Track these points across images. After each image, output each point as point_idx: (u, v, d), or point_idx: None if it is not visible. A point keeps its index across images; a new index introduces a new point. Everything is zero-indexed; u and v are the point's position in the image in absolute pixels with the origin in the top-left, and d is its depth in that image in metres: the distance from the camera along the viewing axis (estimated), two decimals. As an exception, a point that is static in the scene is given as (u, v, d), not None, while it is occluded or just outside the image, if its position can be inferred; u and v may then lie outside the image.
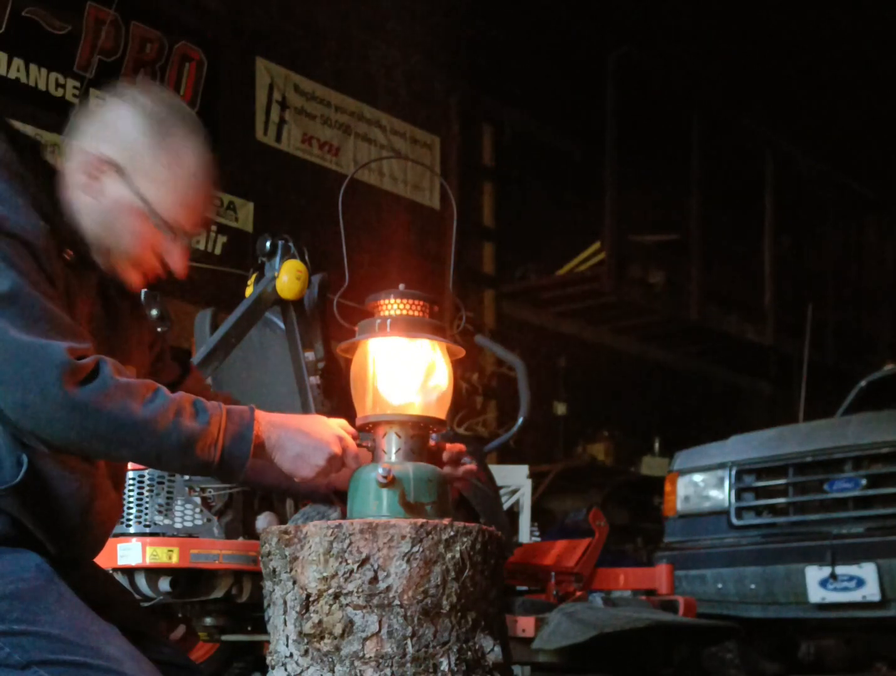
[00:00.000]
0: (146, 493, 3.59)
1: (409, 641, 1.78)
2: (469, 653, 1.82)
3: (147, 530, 3.55)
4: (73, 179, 1.88)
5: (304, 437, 1.86)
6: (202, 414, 1.77)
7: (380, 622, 1.78)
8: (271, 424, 1.85)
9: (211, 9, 7.72)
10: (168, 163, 1.87)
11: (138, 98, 1.90)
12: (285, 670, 1.84)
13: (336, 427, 1.92)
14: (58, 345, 1.68)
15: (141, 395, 1.73)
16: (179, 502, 3.75)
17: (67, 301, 1.82)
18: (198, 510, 3.75)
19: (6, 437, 1.77)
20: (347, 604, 1.79)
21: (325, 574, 1.80)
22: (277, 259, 4.14)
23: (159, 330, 4.69)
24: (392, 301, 1.98)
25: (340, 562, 1.79)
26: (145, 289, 4.58)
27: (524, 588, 4.48)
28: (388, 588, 1.78)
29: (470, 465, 2.04)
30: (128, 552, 3.48)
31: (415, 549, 1.79)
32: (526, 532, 5.34)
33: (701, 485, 5.78)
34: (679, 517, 5.85)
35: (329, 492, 2.08)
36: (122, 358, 1.88)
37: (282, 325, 4.24)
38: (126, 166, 1.86)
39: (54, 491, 1.81)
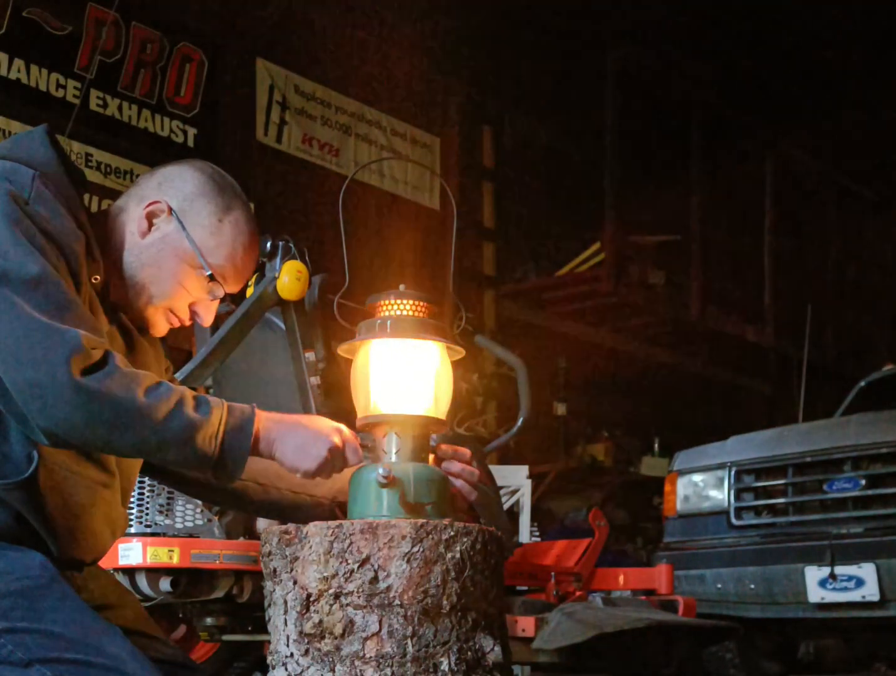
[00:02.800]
0: (147, 493, 3.60)
1: (409, 641, 1.79)
2: (469, 653, 1.83)
3: (148, 530, 3.56)
4: (128, 218, 1.98)
5: (303, 430, 1.88)
6: (204, 405, 1.79)
7: (380, 622, 1.78)
8: (271, 420, 1.87)
9: (211, 9, 7.72)
10: (221, 217, 1.98)
11: (202, 165, 2.05)
12: (286, 670, 1.84)
13: (334, 423, 1.94)
14: (74, 332, 1.72)
15: (145, 384, 1.75)
16: (180, 502, 3.76)
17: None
18: (199, 510, 3.76)
19: (19, 433, 1.79)
20: (348, 604, 1.80)
21: (325, 574, 1.81)
22: (278, 259, 4.14)
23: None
24: (392, 301, 1.99)
25: (341, 562, 1.80)
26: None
27: (524, 588, 4.48)
28: (389, 588, 1.79)
29: (469, 467, 2.04)
30: (129, 552, 3.49)
31: (415, 549, 1.79)
32: (526, 532, 5.35)
33: (700, 485, 5.79)
34: (679, 517, 5.85)
35: (333, 506, 2.09)
36: None
37: (282, 326, 4.24)
38: (182, 212, 1.96)
39: (60, 490, 1.82)
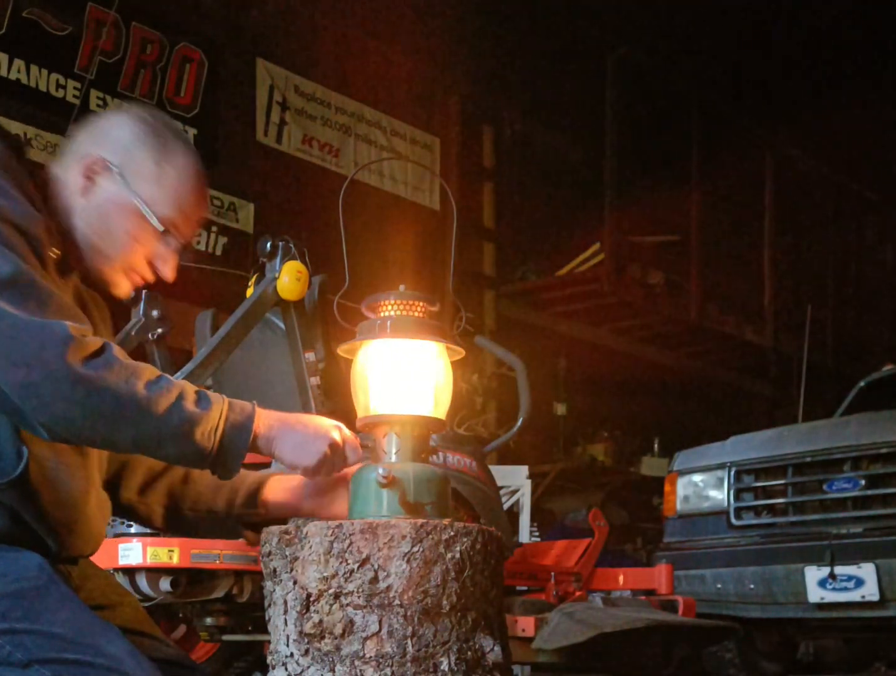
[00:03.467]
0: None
1: (409, 641, 1.79)
2: (469, 653, 1.83)
3: (148, 530, 3.56)
4: (69, 182, 1.91)
5: (303, 428, 1.88)
6: (204, 400, 1.78)
7: (380, 622, 1.79)
8: (271, 417, 1.86)
9: (211, 9, 7.72)
10: (163, 164, 1.90)
11: (133, 110, 1.97)
12: (286, 669, 1.84)
13: (334, 421, 1.94)
14: (60, 324, 1.69)
15: (145, 376, 1.73)
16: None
17: None
18: (198, 510, 3.76)
19: (8, 429, 1.77)
20: (348, 604, 1.80)
21: (325, 574, 1.81)
22: (278, 260, 4.15)
23: (160, 330, 4.71)
24: (392, 302, 1.99)
25: (341, 562, 1.80)
26: (146, 291, 4.60)
27: (524, 588, 4.48)
28: (389, 588, 1.79)
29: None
30: (129, 552, 3.49)
31: (415, 549, 1.79)
32: (526, 532, 5.36)
33: (700, 486, 5.79)
34: (678, 517, 5.85)
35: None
36: None
37: (282, 326, 4.25)
38: (122, 166, 1.89)
39: (53, 482, 1.81)
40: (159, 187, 1.90)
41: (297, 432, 1.87)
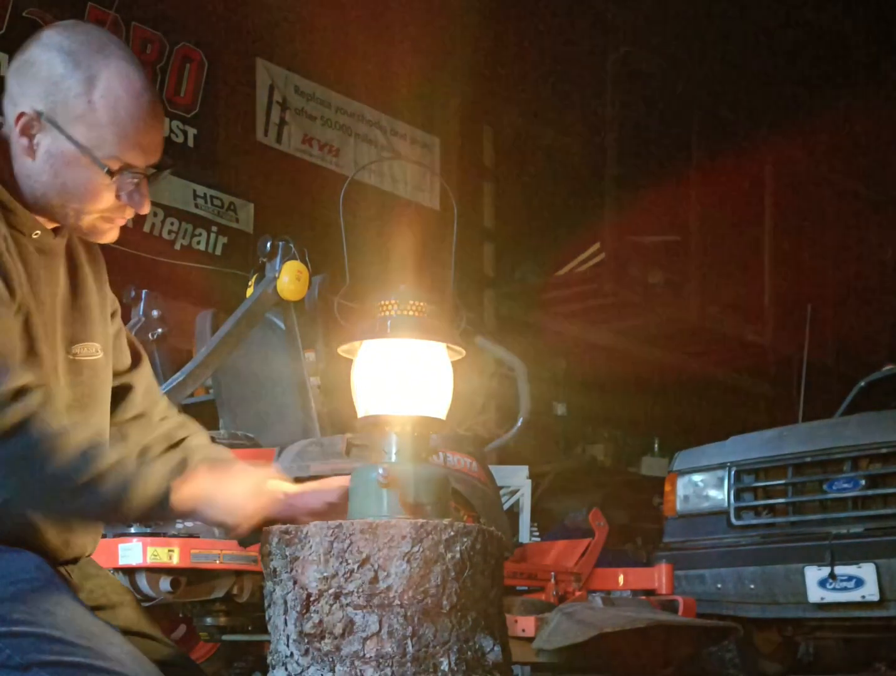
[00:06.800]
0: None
1: (409, 641, 1.79)
2: (469, 653, 1.83)
3: (148, 530, 3.56)
4: (15, 146, 1.77)
5: (224, 492, 1.80)
6: (121, 479, 1.68)
7: (380, 622, 1.78)
8: (193, 488, 1.77)
9: (211, 9, 7.73)
10: (94, 97, 1.73)
11: (52, 37, 1.77)
12: (286, 669, 1.84)
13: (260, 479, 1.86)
14: None
15: (70, 448, 1.64)
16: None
17: (31, 290, 1.78)
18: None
19: None
20: (348, 604, 1.79)
21: (325, 574, 1.81)
22: (278, 260, 4.15)
23: (160, 330, 4.70)
24: (392, 302, 1.99)
25: (341, 562, 1.80)
26: (146, 291, 4.59)
27: (524, 588, 4.49)
28: (389, 588, 1.79)
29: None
30: (129, 552, 3.49)
31: (415, 549, 1.79)
32: (526, 532, 5.36)
33: (700, 486, 5.79)
34: (678, 517, 5.86)
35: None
36: (84, 334, 1.87)
37: (282, 326, 4.25)
38: (53, 114, 1.73)
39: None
40: (97, 126, 1.73)
41: (223, 497, 1.79)
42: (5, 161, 1.79)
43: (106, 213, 1.82)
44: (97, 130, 1.74)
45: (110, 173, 1.75)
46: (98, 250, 2.00)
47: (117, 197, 1.79)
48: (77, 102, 1.73)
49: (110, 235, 1.86)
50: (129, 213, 1.84)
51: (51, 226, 1.85)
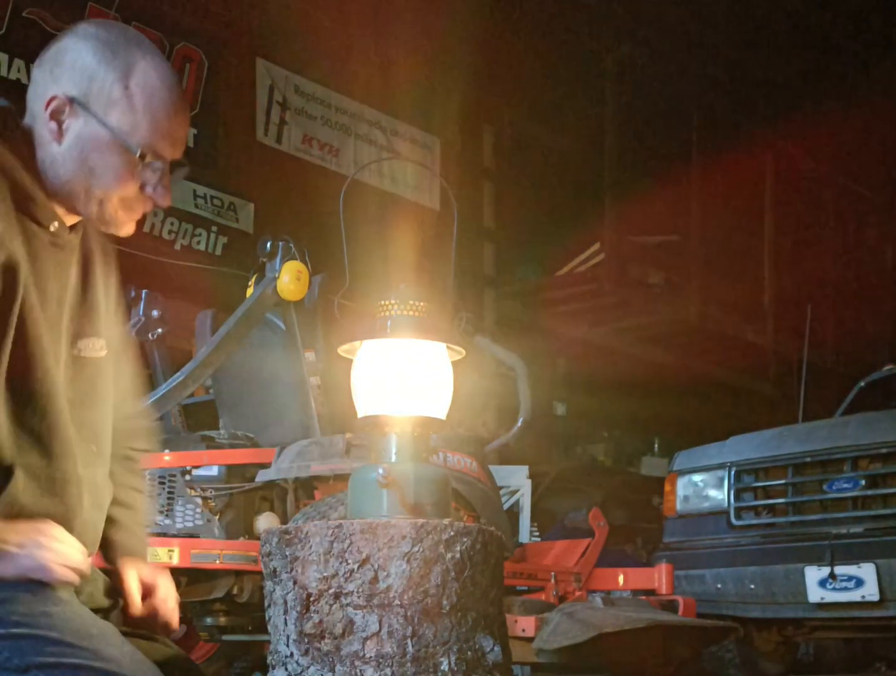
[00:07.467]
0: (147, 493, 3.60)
1: (409, 641, 1.79)
2: (469, 653, 1.83)
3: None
4: (42, 133, 1.78)
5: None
6: None
7: (380, 622, 1.78)
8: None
9: (211, 9, 7.72)
10: (130, 85, 1.76)
11: (88, 30, 1.82)
12: (286, 669, 1.84)
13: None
14: None
15: None
16: (180, 502, 3.76)
17: (36, 284, 1.77)
18: (198, 510, 3.76)
19: None
20: (348, 604, 1.79)
21: (325, 574, 1.80)
22: (278, 260, 4.15)
23: (160, 330, 4.70)
24: (392, 301, 1.99)
25: (341, 562, 1.80)
26: (146, 291, 4.58)
27: (524, 588, 4.49)
28: (389, 588, 1.79)
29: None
30: (128, 552, 3.48)
31: (415, 549, 1.79)
32: (526, 532, 5.36)
33: (700, 486, 5.79)
34: (678, 517, 5.85)
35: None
36: (90, 331, 1.87)
37: (282, 326, 4.25)
38: (87, 99, 1.75)
39: (45, 491, 1.78)
40: (131, 111, 1.75)
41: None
42: (29, 150, 1.79)
43: (127, 202, 1.82)
44: (132, 116, 1.76)
45: (142, 157, 1.77)
46: (112, 251, 2.01)
47: (142, 187, 1.81)
48: (113, 88, 1.75)
49: (127, 228, 1.86)
50: (149, 206, 1.84)
51: (69, 221, 1.85)
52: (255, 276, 4.28)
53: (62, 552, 1.77)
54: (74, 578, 1.77)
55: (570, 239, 9.81)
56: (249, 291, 4.26)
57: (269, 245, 4.17)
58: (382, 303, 1.99)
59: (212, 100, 7.63)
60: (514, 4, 9.47)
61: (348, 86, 8.56)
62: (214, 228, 7.63)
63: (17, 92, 6.65)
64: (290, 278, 4.08)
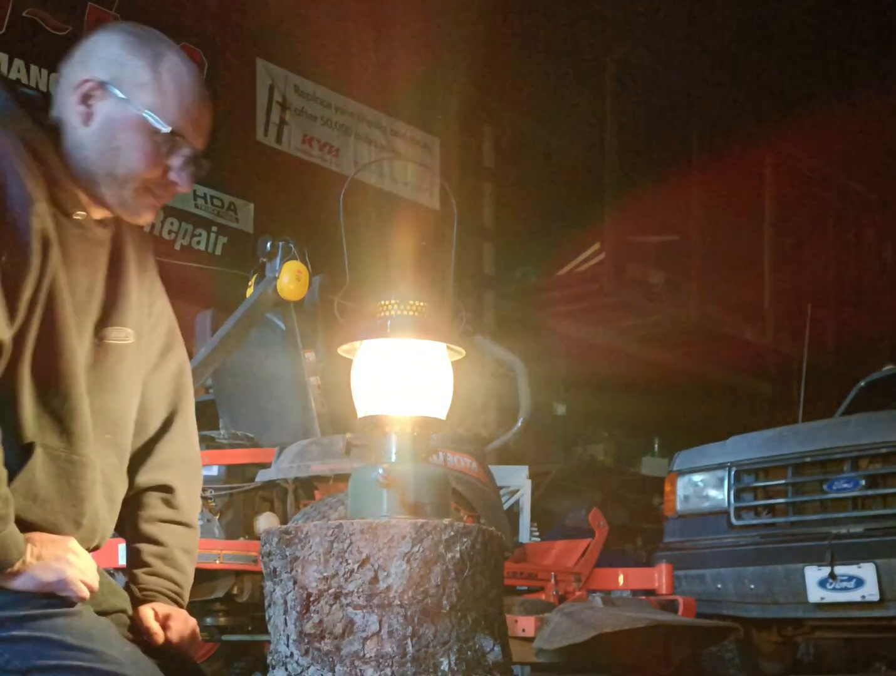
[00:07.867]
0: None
1: (409, 641, 1.79)
2: (469, 653, 1.83)
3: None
4: (70, 118, 1.82)
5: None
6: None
7: (380, 622, 1.78)
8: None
9: (211, 9, 7.72)
10: (159, 69, 1.82)
11: (117, 25, 1.92)
12: (286, 669, 1.84)
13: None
14: None
15: None
16: (180, 502, 3.75)
17: (65, 268, 1.77)
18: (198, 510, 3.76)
19: (14, 424, 1.74)
20: (348, 604, 1.79)
21: (325, 574, 1.80)
22: (278, 260, 4.15)
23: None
24: (392, 301, 1.99)
25: (341, 562, 1.80)
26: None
27: (524, 588, 4.48)
28: (389, 588, 1.78)
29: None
30: (129, 552, 3.48)
31: (415, 549, 1.79)
32: (526, 532, 5.36)
33: (700, 486, 5.78)
34: (678, 517, 5.85)
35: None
36: (117, 319, 1.88)
37: (282, 326, 4.25)
38: (117, 81, 1.81)
39: (60, 474, 1.78)
40: (160, 93, 1.82)
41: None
42: (57, 138, 1.83)
43: (150, 186, 1.85)
44: (161, 98, 1.82)
45: (173, 134, 1.82)
46: (150, 249, 2.04)
47: (166, 170, 1.85)
48: (143, 72, 1.82)
49: (148, 215, 1.89)
50: (170, 194, 1.88)
51: (96, 214, 1.86)
52: (255, 276, 4.28)
53: (82, 567, 1.78)
54: (87, 594, 1.78)
55: (570, 239, 9.81)
56: (249, 291, 4.26)
57: (269, 245, 4.17)
58: (382, 303, 1.99)
59: (212, 100, 7.63)
60: (513, 4, 9.46)
61: (348, 86, 8.56)
62: (214, 228, 7.63)
63: (17, 92, 6.67)
64: (290, 278, 4.08)
